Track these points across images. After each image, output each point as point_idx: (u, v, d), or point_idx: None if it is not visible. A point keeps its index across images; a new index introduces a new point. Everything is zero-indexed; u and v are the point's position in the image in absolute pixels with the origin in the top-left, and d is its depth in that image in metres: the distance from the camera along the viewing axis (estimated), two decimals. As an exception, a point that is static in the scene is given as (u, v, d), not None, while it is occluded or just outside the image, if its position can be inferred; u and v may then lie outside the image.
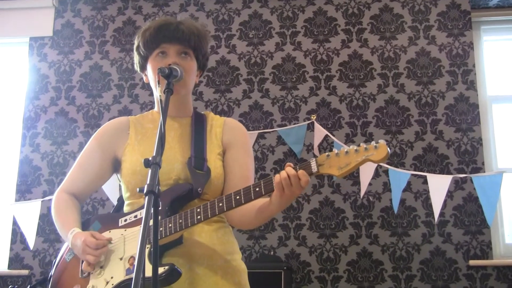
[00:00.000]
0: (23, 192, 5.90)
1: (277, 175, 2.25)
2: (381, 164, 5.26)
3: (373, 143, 2.15)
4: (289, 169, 2.24)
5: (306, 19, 6.10)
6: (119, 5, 6.37)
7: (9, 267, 5.74)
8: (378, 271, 5.40)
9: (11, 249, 5.78)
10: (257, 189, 2.28)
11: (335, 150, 2.22)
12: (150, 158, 1.98)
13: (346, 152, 2.19)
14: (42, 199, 5.63)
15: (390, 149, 5.49)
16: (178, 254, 2.42)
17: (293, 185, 2.23)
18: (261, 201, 2.39)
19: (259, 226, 2.93)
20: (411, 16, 5.98)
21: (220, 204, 2.32)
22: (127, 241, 2.45)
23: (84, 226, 2.60)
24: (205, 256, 2.48)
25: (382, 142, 2.14)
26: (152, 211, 1.88)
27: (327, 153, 2.22)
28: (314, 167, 2.23)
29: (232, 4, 6.23)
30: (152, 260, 1.90)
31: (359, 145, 2.19)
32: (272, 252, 5.48)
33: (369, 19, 6.03)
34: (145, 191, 1.89)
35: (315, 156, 5.59)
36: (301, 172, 2.23)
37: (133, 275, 1.71)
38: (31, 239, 5.46)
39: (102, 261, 2.45)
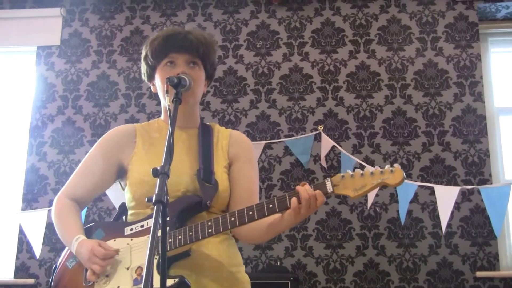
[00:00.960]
0: (30, 201, 5.90)
1: (294, 198, 2.27)
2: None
3: (387, 166, 2.19)
4: (308, 188, 2.26)
5: (314, 29, 6.11)
6: (127, 14, 6.38)
7: (15, 276, 5.73)
8: (384, 282, 5.38)
9: (17, 258, 5.78)
10: (271, 206, 2.30)
11: (349, 172, 2.24)
12: (159, 168, 1.98)
13: (362, 174, 2.22)
14: (48, 208, 5.60)
15: (397, 160, 5.50)
16: (185, 265, 2.41)
17: (310, 206, 2.26)
18: (271, 217, 2.40)
19: (266, 241, 2.94)
20: (419, 28, 5.98)
21: (232, 219, 2.33)
22: (134, 251, 2.44)
23: (87, 233, 2.58)
24: (212, 268, 2.47)
25: (397, 166, 2.18)
26: (160, 221, 1.87)
27: (341, 174, 2.25)
28: (329, 187, 2.26)
29: (239, 15, 6.23)
30: (161, 271, 1.89)
31: (374, 168, 2.21)
32: (278, 263, 5.47)
33: (376, 30, 6.03)
34: (153, 201, 1.89)
35: (322, 167, 5.59)
36: (318, 192, 2.26)
37: (141, 286, 1.70)
38: (37, 248, 5.45)
39: (108, 270, 2.44)
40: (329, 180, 2.25)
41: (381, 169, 2.19)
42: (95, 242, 2.45)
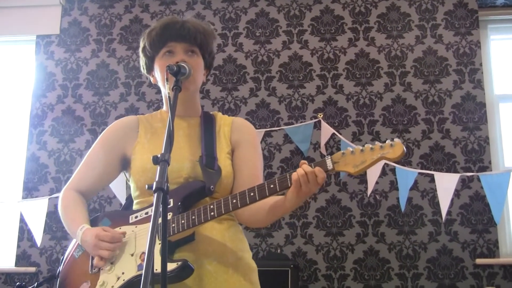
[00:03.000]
0: (30, 190, 5.91)
1: (294, 173, 2.26)
2: (388, 162, 5.26)
3: (388, 141, 2.18)
4: (305, 166, 2.26)
5: (313, 17, 6.10)
6: (126, 3, 6.37)
7: (16, 264, 5.75)
8: (384, 270, 5.40)
9: (18, 247, 5.79)
10: (272, 186, 2.29)
11: (349, 149, 2.23)
12: (159, 155, 1.98)
13: (362, 150, 2.21)
14: (49, 197, 5.63)
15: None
16: (189, 250, 2.42)
17: (310, 182, 2.24)
18: (274, 198, 2.41)
19: (269, 224, 2.95)
20: (418, 15, 5.98)
21: (234, 201, 2.33)
22: (138, 237, 2.45)
23: (93, 223, 2.59)
24: (216, 253, 2.47)
25: (397, 140, 2.17)
26: (161, 208, 1.87)
27: (342, 151, 2.24)
28: (329, 164, 2.24)
29: (239, 3, 6.23)
30: (161, 256, 1.90)
31: (374, 143, 2.21)
32: (279, 250, 5.49)
33: (376, 18, 6.03)
34: (153, 188, 1.89)
35: (322, 154, 5.60)
36: (317, 169, 2.24)
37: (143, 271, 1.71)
38: (38, 237, 5.47)
39: (116, 253, 2.45)
40: (329, 157, 2.24)
41: (381, 144, 2.18)
42: (99, 229, 2.46)
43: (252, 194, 2.31)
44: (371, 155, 2.19)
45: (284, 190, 2.29)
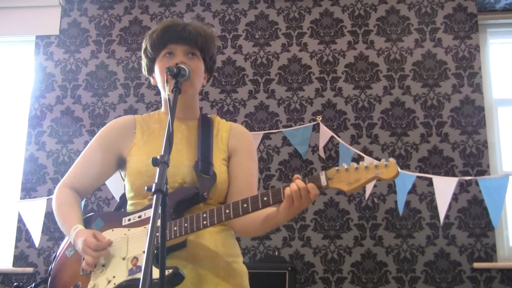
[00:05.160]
0: (28, 190, 5.91)
1: (287, 188, 2.26)
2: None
3: (383, 161, 2.18)
4: (298, 182, 2.26)
5: (313, 20, 6.10)
6: (126, 4, 6.37)
7: (14, 265, 5.75)
8: (382, 273, 5.40)
9: (16, 247, 5.79)
10: (265, 198, 2.29)
11: (344, 165, 2.23)
12: (158, 157, 1.97)
13: (356, 168, 2.21)
14: (47, 197, 5.63)
15: (395, 151, 5.49)
16: (181, 255, 2.42)
17: (302, 198, 2.24)
18: (267, 210, 2.40)
19: (262, 234, 2.91)
20: (418, 18, 5.98)
21: (227, 211, 2.33)
22: (130, 241, 2.45)
23: (86, 223, 2.59)
24: (208, 258, 2.48)
25: (392, 160, 2.17)
26: (160, 211, 1.87)
27: (336, 168, 2.24)
28: (323, 181, 2.24)
29: (238, 5, 6.23)
30: (160, 262, 1.88)
31: (369, 162, 2.21)
32: (276, 253, 5.49)
33: (375, 21, 6.03)
34: (153, 190, 1.88)
35: (320, 157, 5.59)
36: (310, 185, 2.24)
37: (139, 276, 1.69)
38: (36, 237, 5.47)
39: (104, 260, 2.45)
40: (323, 173, 2.24)
41: (375, 163, 2.18)
42: (90, 233, 2.45)
43: (245, 205, 2.31)
44: (365, 174, 2.20)
45: (277, 203, 2.30)
